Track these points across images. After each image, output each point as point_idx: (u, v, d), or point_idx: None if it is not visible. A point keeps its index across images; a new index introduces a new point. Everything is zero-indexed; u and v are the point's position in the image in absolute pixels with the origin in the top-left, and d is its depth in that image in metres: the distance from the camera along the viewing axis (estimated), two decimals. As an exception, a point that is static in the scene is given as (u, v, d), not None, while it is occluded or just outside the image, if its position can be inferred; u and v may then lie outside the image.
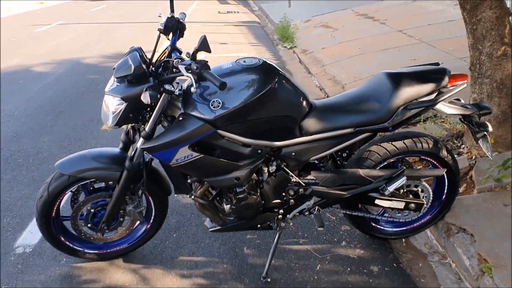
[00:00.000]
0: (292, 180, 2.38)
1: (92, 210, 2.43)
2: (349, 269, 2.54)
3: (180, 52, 2.26)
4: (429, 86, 2.33)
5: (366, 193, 2.46)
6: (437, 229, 2.81)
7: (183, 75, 2.03)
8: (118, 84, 2.14)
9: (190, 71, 1.97)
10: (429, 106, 2.32)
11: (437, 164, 2.56)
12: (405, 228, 2.78)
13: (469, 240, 2.56)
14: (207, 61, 1.97)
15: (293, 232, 2.84)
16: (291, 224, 2.56)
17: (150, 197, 2.50)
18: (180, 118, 2.13)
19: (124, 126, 2.32)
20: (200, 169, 2.22)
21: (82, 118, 4.99)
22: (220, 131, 2.14)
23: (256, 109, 2.14)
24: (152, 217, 2.57)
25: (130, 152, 2.27)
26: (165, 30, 2.28)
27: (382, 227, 2.77)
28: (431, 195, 2.60)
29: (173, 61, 2.11)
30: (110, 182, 2.33)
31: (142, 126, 2.23)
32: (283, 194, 2.41)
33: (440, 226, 2.78)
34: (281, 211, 2.45)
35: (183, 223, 2.97)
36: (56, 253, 2.68)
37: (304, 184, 2.39)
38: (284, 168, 2.35)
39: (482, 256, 2.41)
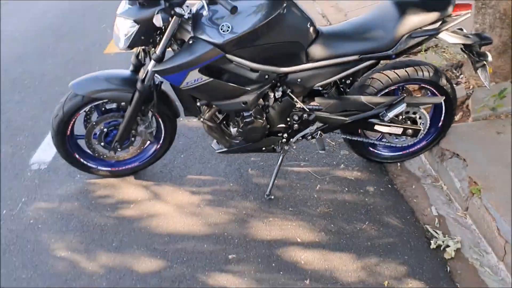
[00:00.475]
0: (297, 106, 2.48)
1: (105, 130, 2.55)
2: (346, 189, 2.71)
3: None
4: (433, 15, 2.37)
5: (366, 119, 2.57)
6: (431, 154, 2.96)
7: None
8: (130, 6, 2.18)
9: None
10: (433, 34, 2.37)
11: (436, 92, 2.65)
12: (401, 152, 2.92)
13: (461, 164, 2.71)
14: None
15: (294, 155, 2.99)
16: (294, 147, 2.69)
17: (160, 119, 2.61)
18: (190, 42, 2.18)
19: (135, 49, 2.38)
20: (209, 93, 2.31)
21: (85, 42, 4.99)
22: (229, 56, 2.21)
23: (264, 34, 2.20)
24: (162, 138, 2.70)
25: (142, 75, 2.35)
26: None
27: (379, 152, 2.92)
28: (428, 122, 2.72)
29: None
30: (122, 103, 2.43)
31: (153, 49, 2.29)
32: (288, 119, 2.52)
33: (435, 151, 2.92)
34: (285, 135, 2.58)
35: (190, 145, 3.11)
36: (70, 170, 2.83)
37: (308, 110, 2.50)
38: (290, 94, 2.44)
39: (472, 178, 2.57)
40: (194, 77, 2.23)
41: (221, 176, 2.83)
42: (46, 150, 3.05)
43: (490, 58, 2.45)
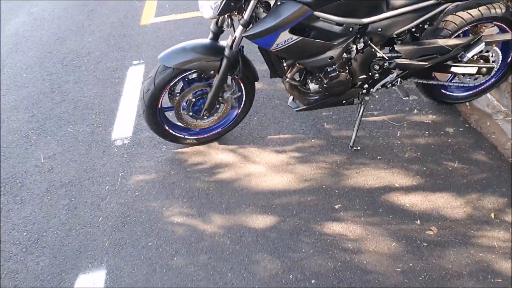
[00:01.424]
0: (377, 55, 2.53)
1: (193, 100, 2.61)
2: (427, 132, 2.80)
3: None
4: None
5: (445, 61, 2.62)
6: (499, 91, 3.02)
7: None
8: None
9: None
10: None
11: (507, 28, 2.69)
12: (471, 92, 2.99)
13: (536, 98, 2.78)
14: None
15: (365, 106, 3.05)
16: (376, 96, 2.76)
17: (241, 83, 2.67)
18: (279, 3, 2.21)
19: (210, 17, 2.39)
20: (299, 52, 2.36)
21: (116, 16, 4.97)
22: (316, 13, 2.24)
23: (350, -12, 2.22)
24: (243, 102, 2.76)
25: (229, 41, 2.39)
26: None
27: (451, 93, 2.98)
28: (500, 59, 2.77)
29: None
30: (211, 72, 2.48)
31: (238, 15, 2.32)
32: (368, 69, 2.57)
33: (503, 87, 2.98)
34: (366, 85, 2.64)
35: (259, 107, 3.17)
36: (155, 142, 2.92)
37: (388, 58, 2.55)
38: (371, 44, 2.48)
39: (551, 110, 2.65)
40: (285, 38, 2.27)
41: (299, 133, 2.91)
42: (123, 125, 3.11)
43: None
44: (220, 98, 2.64)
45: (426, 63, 2.59)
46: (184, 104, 2.63)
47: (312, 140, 2.84)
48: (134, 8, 5.10)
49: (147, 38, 4.37)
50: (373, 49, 2.50)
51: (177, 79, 2.51)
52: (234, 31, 2.40)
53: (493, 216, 2.22)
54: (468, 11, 2.56)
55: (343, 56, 2.49)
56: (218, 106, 2.69)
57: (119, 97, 3.46)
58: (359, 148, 2.71)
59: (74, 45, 4.38)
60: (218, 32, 2.51)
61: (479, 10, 2.56)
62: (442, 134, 2.77)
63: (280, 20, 2.20)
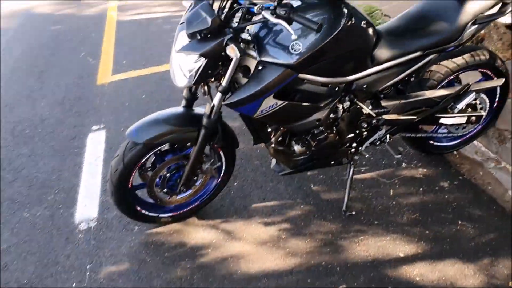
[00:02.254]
0: (364, 112, 2.35)
1: (167, 175, 2.34)
2: (421, 189, 2.62)
3: (246, -5, 2.08)
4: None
5: (433, 114, 2.48)
6: (486, 137, 2.90)
7: (259, 22, 1.90)
8: (189, 40, 1.97)
9: (276, 17, 1.82)
10: (497, 18, 2.30)
11: (491, 74, 2.59)
12: (459, 140, 2.86)
13: (527, 143, 2.67)
14: (292, 4, 1.83)
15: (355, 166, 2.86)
16: (366, 155, 2.56)
17: (221, 151, 2.42)
18: (260, 67, 2.01)
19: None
20: (285, 116, 2.16)
21: (70, 76, 4.65)
22: (301, 75, 2.05)
23: (335, 46, 2.05)
24: (223, 171, 2.51)
25: (207, 109, 2.14)
26: None
27: (438, 143, 2.84)
28: (488, 106, 2.67)
29: (244, 8, 1.95)
30: (188, 143, 2.23)
31: (215, 81, 2.11)
32: (356, 128, 2.39)
33: (491, 133, 2.87)
34: (354, 144, 2.45)
35: (238, 171, 2.92)
36: (124, 223, 2.60)
37: (375, 115, 2.37)
38: (357, 102, 2.31)
39: (547, 157, 2.53)
40: (270, 104, 2.06)
41: (286, 198, 2.67)
42: (87, 205, 2.78)
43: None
44: (198, 170, 2.37)
45: (415, 117, 2.44)
46: (158, 180, 2.35)
47: (302, 206, 2.60)
48: (89, 66, 4.81)
49: (106, 99, 4.08)
50: (359, 107, 2.32)
51: (149, 154, 2.24)
52: (212, 99, 2.17)
53: (511, 284, 2.02)
54: (453, 59, 2.45)
55: (330, 116, 2.29)
56: (195, 178, 2.42)
57: (80, 170, 3.12)
58: (353, 213, 2.49)
59: (25, 112, 4.02)
60: (192, 99, 2.28)
61: (463, 58, 2.45)
62: (437, 190, 2.59)
63: (264, 86, 1.99)
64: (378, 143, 2.51)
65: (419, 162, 2.83)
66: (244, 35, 1.97)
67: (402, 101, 2.40)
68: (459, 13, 2.26)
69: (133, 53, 4.98)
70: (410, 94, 2.44)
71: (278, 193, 2.71)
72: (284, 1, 1.82)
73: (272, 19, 1.81)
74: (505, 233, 2.27)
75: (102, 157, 3.25)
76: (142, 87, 4.21)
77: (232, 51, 1.87)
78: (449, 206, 2.47)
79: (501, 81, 2.55)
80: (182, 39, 2.01)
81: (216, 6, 2.05)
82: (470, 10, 2.26)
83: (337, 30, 2.02)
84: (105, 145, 3.37)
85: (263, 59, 2.01)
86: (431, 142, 2.81)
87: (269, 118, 2.14)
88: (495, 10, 2.33)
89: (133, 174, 2.26)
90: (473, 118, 2.57)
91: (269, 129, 2.30)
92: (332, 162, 2.50)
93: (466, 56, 2.45)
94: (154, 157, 2.32)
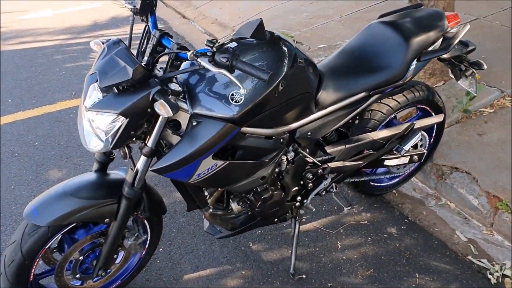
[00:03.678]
0: (309, 162, 2.09)
1: (80, 258, 1.86)
2: (369, 238, 2.40)
3: (171, 37, 1.71)
4: (434, 33, 2.18)
5: (379, 157, 2.28)
6: (423, 172, 2.79)
7: (193, 70, 1.55)
8: (104, 94, 1.56)
9: (216, 65, 1.47)
10: (442, 54, 2.16)
11: (429, 110, 2.48)
12: (398, 179, 2.72)
13: (467, 178, 2.58)
14: (235, 49, 1.49)
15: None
16: (313, 210, 2.28)
17: (145, 221, 2.00)
18: (194, 123, 1.65)
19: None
20: (226, 178, 1.81)
21: None
22: (243, 129, 1.72)
23: (280, 94, 1.76)
24: (148, 242, 2.08)
25: (130, 177, 1.72)
26: (141, 10, 1.70)
27: (379, 184, 2.67)
28: (427, 142, 2.55)
29: (171, 53, 1.59)
30: (106, 219, 1.77)
31: (138, 141, 1.71)
32: (301, 179, 2.12)
33: (428, 168, 2.76)
34: (299, 198, 2.17)
35: (163, 233, 2.48)
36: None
37: (320, 164, 2.12)
38: (301, 151, 2.04)
39: (490, 193, 2.44)
40: (208, 166, 1.71)
41: (224, 264, 2.30)
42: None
43: (485, 66, 2.33)
44: (119, 248, 1.92)
45: (361, 162, 2.23)
46: (68, 265, 1.86)
47: (242, 272, 2.25)
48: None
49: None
50: (304, 157, 2.04)
51: (56, 237, 1.75)
52: (133, 162, 1.75)
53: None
54: (394, 97, 2.28)
55: (275, 171, 1.99)
56: (115, 256, 1.96)
57: (-41, 248, 2.49)
58: (303, 276, 2.18)
59: None
60: (106, 162, 1.84)
61: (403, 95, 2.31)
62: (386, 238, 2.39)
63: (201, 145, 1.63)
64: (323, 194, 2.25)
65: (360, 206, 2.62)
66: (173, 86, 1.60)
67: (348, 146, 2.17)
68: (403, 49, 2.10)
69: (20, 90, 4.31)
70: (353, 137, 2.22)
71: (213, 258, 2.33)
72: (223, 46, 1.47)
73: (212, 69, 1.47)
74: (466, 283, 2.10)
75: (-12, 227, 2.63)
76: (34, 132, 3.60)
77: (163, 108, 1.49)
78: (403, 257, 2.27)
79: (441, 116, 2.44)
80: (93, 92, 1.57)
81: (133, 50, 1.66)
82: (414, 46, 2.10)
83: (282, 75, 1.73)
84: (-8, 211, 2.75)
85: (197, 111, 1.66)
86: (373, 183, 2.62)
87: (208, 182, 1.78)
88: (437, 45, 2.19)
89: (35, 264, 1.75)
90: (416, 156, 2.42)
91: (206, 193, 1.93)
92: (276, 220, 2.19)
93: (406, 93, 2.31)
94: (61, 237, 1.83)
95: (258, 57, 1.72)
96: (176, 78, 1.68)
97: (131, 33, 1.71)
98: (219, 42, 1.48)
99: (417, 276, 2.17)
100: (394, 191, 2.74)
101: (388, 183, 2.70)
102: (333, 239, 2.40)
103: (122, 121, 1.53)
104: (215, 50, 1.46)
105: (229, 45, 1.49)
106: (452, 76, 2.43)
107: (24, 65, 4.93)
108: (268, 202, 1.99)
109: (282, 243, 2.39)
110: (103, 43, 1.69)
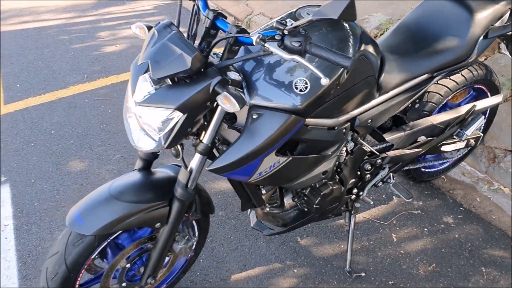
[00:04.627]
0: (367, 152, 1.91)
1: (127, 266, 1.70)
2: (425, 229, 2.25)
3: (226, 18, 1.50)
4: (502, 6, 1.97)
5: (439, 143, 2.11)
6: (472, 155, 2.61)
7: (254, 57, 1.36)
8: (156, 87, 1.36)
9: (288, 51, 1.27)
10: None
11: (486, 90, 2.29)
12: (448, 163, 2.55)
13: (524, 161, 2.41)
14: (307, 32, 1.29)
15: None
16: (371, 203, 2.10)
17: (193, 222, 1.83)
18: (255, 116, 1.46)
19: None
20: (288, 175, 1.64)
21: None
22: (306, 120, 1.54)
23: (348, 79, 1.57)
24: (195, 243, 1.91)
25: (183, 177, 1.53)
26: None
27: (429, 170, 2.50)
28: (483, 125, 2.37)
29: (230, 38, 1.39)
30: (157, 224, 1.60)
31: (192, 138, 1.52)
32: (358, 171, 1.94)
33: (479, 152, 2.58)
34: (355, 190, 2.00)
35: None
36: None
37: (379, 154, 1.94)
38: (361, 141, 1.86)
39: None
40: (270, 163, 1.53)
41: (272, 261, 2.14)
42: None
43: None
44: (168, 253, 1.76)
45: (421, 150, 2.05)
46: (115, 273, 1.70)
47: (294, 270, 2.09)
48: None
49: (2, 139, 3.20)
50: (363, 146, 1.86)
51: (102, 246, 1.58)
52: (184, 162, 1.57)
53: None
54: (452, 77, 2.08)
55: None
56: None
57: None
58: (362, 274, 2.03)
59: None
60: (151, 159, 1.66)
61: (462, 74, 2.11)
62: (444, 229, 2.24)
63: (264, 141, 1.45)
64: (379, 185, 2.08)
65: (410, 194, 2.44)
66: (232, 75, 1.40)
67: (407, 132, 1.99)
68: (469, 25, 1.90)
69: (27, 74, 4.06)
70: (412, 123, 2.04)
71: (260, 255, 2.17)
72: (294, 27, 1.26)
73: (284, 55, 1.26)
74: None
75: (11, 226, 2.45)
76: (49, 119, 3.38)
77: (227, 102, 1.29)
78: (464, 249, 2.12)
79: (500, 97, 2.25)
80: (143, 85, 1.37)
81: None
82: (481, 22, 1.90)
83: (352, 59, 1.52)
84: (13, 208, 2.56)
85: (256, 102, 1.47)
86: (422, 169, 2.45)
87: (269, 180, 1.61)
88: (504, 19, 1.99)
89: (80, 275, 1.58)
90: (472, 140, 2.25)
91: (263, 191, 1.75)
92: (331, 215, 2.02)
93: (465, 72, 2.12)
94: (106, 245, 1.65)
95: (322, 39, 1.53)
96: (233, 65, 1.48)
97: (179, 15, 1.49)
98: (291, 24, 1.27)
99: (484, 270, 2.03)
100: (443, 176, 2.57)
101: (438, 168, 2.53)
102: (387, 231, 2.24)
103: (178, 116, 1.34)
104: (286, 33, 1.26)
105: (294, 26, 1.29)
106: (505, 53, 2.24)
107: (28, 46, 4.65)
108: (328, 197, 1.82)
109: (332, 237, 2.23)
110: (148, 28, 1.49)
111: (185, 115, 1.33)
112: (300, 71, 1.48)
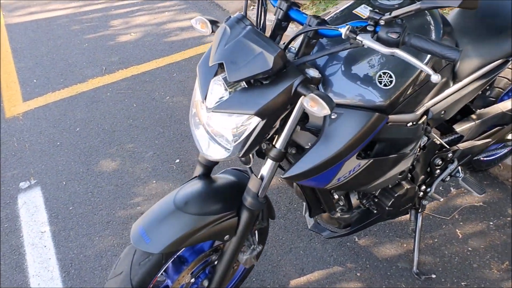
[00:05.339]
0: (438, 145, 1.77)
1: (191, 281, 1.57)
2: (491, 223, 2.12)
3: (300, 8, 1.34)
4: None
5: (509, 131, 1.96)
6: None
7: (341, 50, 1.18)
8: (230, 90, 1.20)
9: (382, 43, 1.11)
10: None
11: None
12: (505, 151, 2.40)
13: None
14: (404, 21, 1.12)
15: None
16: (441, 199, 1.95)
17: (256, 230, 1.69)
18: (333, 116, 1.31)
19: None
20: (366, 179, 1.50)
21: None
22: (391, 116, 1.39)
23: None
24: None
25: (254, 186, 1.39)
26: None
27: (487, 158, 2.35)
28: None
29: (310, 31, 1.23)
30: (226, 237, 1.46)
31: (264, 143, 1.38)
32: (428, 166, 1.80)
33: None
34: (423, 187, 1.86)
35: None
36: None
37: (449, 147, 1.80)
38: (433, 134, 1.72)
39: None
40: (351, 167, 1.39)
41: (331, 264, 2.02)
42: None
43: None
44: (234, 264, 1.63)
45: (491, 140, 1.90)
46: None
47: (357, 273, 1.96)
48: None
49: (26, 138, 3.05)
50: (435, 140, 1.72)
51: (169, 262, 1.45)
52: (251, 169, 1.43)
53: None
54: (517, 59, 1.91)
55: (410, 162, 1.67)
56: (225, 272, 1.67)
57: (23, 256, 2.20)
58: (433, 276, 1.90)
59: None
60: (212, 165, 1.52)
61: (528, 56, 1.92)
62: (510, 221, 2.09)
63: (346, 144, 1.30)
64: (447, 179, 1.93)
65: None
66: (312, 72, 1.24)
67: (477, 122, 1.84)
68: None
69: (42, 68, 3.90)
70: (479, 112, 1.89)
71: (317, 258, 2.04)
72: (394, 17, 1.10)
73: (381, 49, 1.10)
74: None
75: (49, 232, 2.32)
76: (72, 115, 3.23)
77: (315, 105, 1.14)
78: (538, 245, 1.98)
79: None
80: (215, 88, 1.22)
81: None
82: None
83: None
84: (47, 213, 2.43)
85: (335, 101, 1.31)
86: (483, 158, 2.31)
87: (346, 185, 1.47)
88: None
89: (147, 294, 1.46)
90: (542, 125, 2.09)
91: (336, 196, 1.62)
92: (397, 215, 1.89)
93: (531, 53, 1.93)
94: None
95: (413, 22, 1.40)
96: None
97: (246, 5, 1.33)
98: (389, 13, 1.11)
99: None
100: (500, 165, 2.43)
101: (496, 156, 2.39)
102: (450, 226, 2.11)
103: (256, 122, 1.19)
104: (382, 23, 1.10)
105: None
106: None
107: (40, 38, 4.47)
108: (402, 198, 1.68)
109: (392, 235, 2.10)
110: (211, 22, 1.33)
111: (264, 120, 1.18)
112: (382, 63, 1.33)
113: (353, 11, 1.45)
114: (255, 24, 1.33)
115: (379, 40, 1.10)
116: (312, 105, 1.13)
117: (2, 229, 2.36)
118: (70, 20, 4.80)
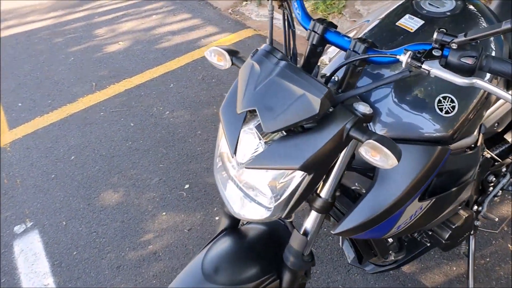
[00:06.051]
0: (491, 160, 1.54)
1: None
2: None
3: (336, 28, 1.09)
4: None
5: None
6: None
7: (394, 80, 0.94)
8: (265, 141, 0.96)
9: (450, 68, 0.86)
10: None
11: None
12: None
13: None
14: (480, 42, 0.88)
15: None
16: (496, 219, 1.72)
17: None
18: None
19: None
20: (428, 220, 1.26)
21: None
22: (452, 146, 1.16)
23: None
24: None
25: (299, 244, 1.15)
26: None
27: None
28: None
29: (356, 60, 0.98)
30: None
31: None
32: (481, 184, 1.58)
33: None
34: (475, 207, 1.64)
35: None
36: None
37: (501, 161, 1.57)
38: (487, 150, 1.49)
39: None
40: (413, 211, 1.17)
41: (375, 297, 1.79)
42: None
43: None
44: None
45: (543, 146, 1.67)
46: None
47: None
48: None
49: (17, 172, 2.79)
50: (487, 155, 1.49)
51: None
52: (292, 224, 1.20)
53: None
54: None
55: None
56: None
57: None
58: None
59: None
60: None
61: None
62: None
63: (407, 187, 1.06)
64: (499, 195, 1.71)
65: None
66: (361, 107, 0.98)
67: (526, 127, 1.61)
68: None
69: (27, 89, 3.61)
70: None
71: (360, 291, 1.82)
72: (471, 39, 0.85)
73: (458, 80, 0.86)
74: None
75: (52, 284, 2.08)
76: (64, 142, 2.96)
77: (377, 154, 0.89)
78: None
79: None
80: (248, 139, 0.97)
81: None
82: None
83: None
84: (49, 261, 2.18)
85: (387, 134, 1.08)
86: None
87: (405, 231, 1.23)
88: None
89: None
90: None
91: (390, 240, 1.38)
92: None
93: None
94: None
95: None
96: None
97: (271, 30, 1.08)
98: (463, 35, 0.86)
99: None
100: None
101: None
102: (501, 241, 1.89)
103: (301, 177, 0.95)
104: (455, 47, 0.86)
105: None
106: None
107: (20, 55, 4.17)
108: (461, 229, 1.45)
109: (438, 257, 1.88)
110: (229, 52, 1.09)
111: (311, 175, 0.94)
112: (441, 85, 1.09)
113: (396, 23, 1.20)
114: (284, 51, 1.09)
115: (447, 66, 0.86)
116: (374, 154, 0.89)
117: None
118: (51, 32, 4.50)
